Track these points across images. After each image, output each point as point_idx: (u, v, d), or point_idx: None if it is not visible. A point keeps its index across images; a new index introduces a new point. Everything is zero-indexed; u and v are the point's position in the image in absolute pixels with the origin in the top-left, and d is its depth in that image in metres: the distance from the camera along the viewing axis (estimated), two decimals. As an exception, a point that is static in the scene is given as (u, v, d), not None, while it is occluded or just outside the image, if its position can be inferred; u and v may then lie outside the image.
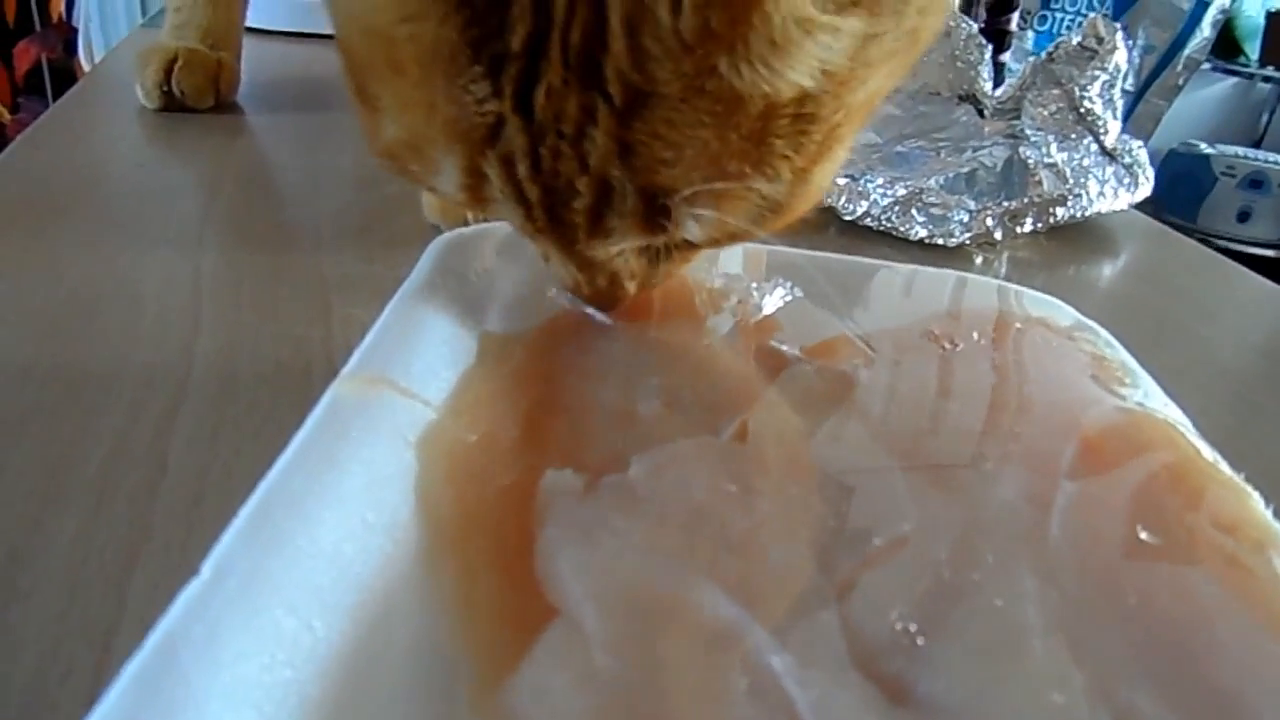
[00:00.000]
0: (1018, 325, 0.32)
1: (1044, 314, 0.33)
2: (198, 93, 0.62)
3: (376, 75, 0.24)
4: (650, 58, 0.21)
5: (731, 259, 0.34)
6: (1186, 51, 1.70)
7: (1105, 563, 0.21)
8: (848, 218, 0.52)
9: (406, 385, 0.25)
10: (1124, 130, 0.58)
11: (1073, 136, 0.56)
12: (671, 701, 0.17)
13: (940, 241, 0.51)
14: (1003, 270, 0.51)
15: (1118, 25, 0.57)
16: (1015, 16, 0.87)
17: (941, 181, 0.53)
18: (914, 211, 0.51)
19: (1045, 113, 0.57)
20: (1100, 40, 0.57)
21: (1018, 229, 0.52)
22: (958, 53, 0.62)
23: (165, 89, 0.61)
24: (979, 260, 0.51)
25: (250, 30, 0.70)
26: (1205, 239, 2.12)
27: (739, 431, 0.27)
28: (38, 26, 1.79)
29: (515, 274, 0.33)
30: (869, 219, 0.52)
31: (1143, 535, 0.21)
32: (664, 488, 0.23)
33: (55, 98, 1.75)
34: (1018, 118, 0.59)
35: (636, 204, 0.23)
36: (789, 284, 0.32)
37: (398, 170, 0.26)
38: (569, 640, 0.19)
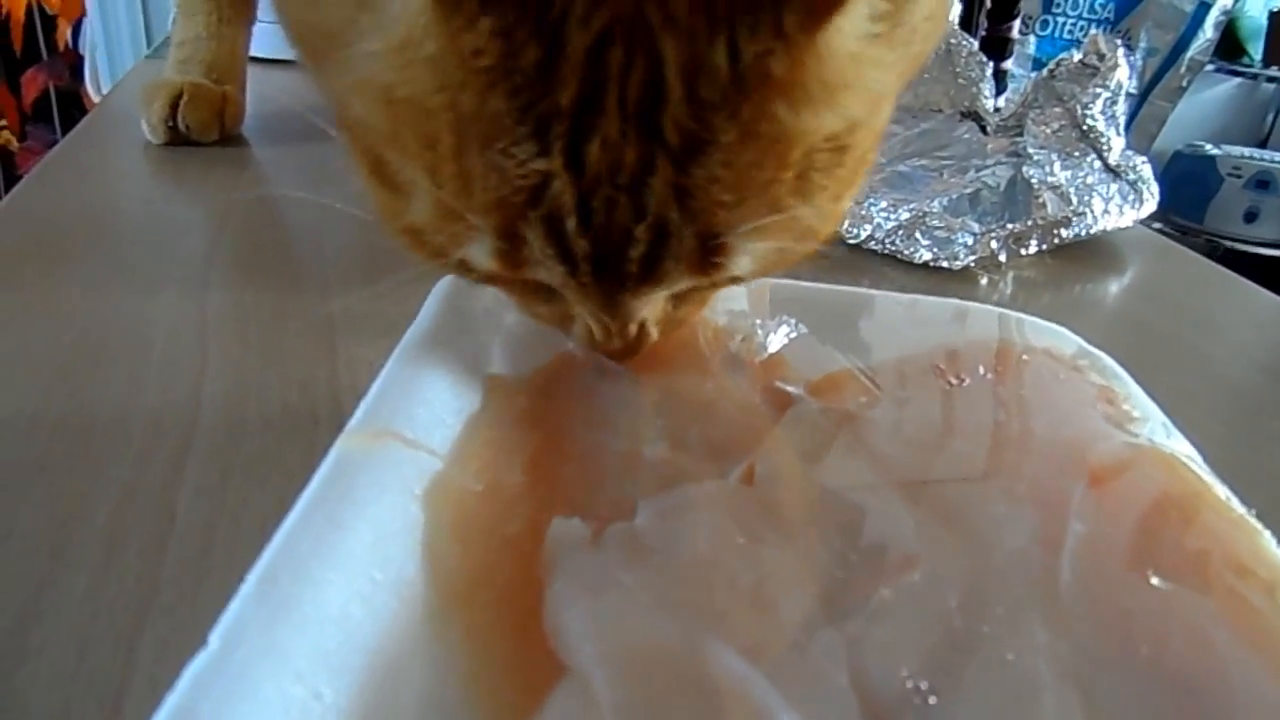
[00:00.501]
0: (1023, 357, 0.32)
1: (1048, 343, 0.33)
2: (203, 127, 0.63)
3: (401, 149, 0.24)
4: (708, 106, 0.21)
5: (735, 295, 0.34)
6: (1190, 53, 1.69)
7: (1117, 610, 0.21)
8: (852, 241, 0.52)
9: (412, 436, 0.25)
10: (1129, 132, 0.58)
11: (1076, 154, 0.56)
12: (681, 766, 0.17)
13: (945, 264, 0.50)
14: (1008, 291, 0.51)
15: (1119, 42, 0.57)
16: (1016, 23, 0.87)
17: (945, 203, 0.53)
18: (918, 235, 0.51)
19: (1048, 131, 0.57)
20: (1101, 57, 0.56)
21: (1022, 251, 0.52)
22: (958, 70, 0.62)
23: (170, 124, 0.62)
24: (984, 282, 0.51)
25: (254, 59, 0.70)
26: (1212, 240, 2.12)
27: (746, 474, 0.27)
28: (44, 55, 1.80)
29: (519, 312, 0.33)
30: (873, 242, 0.52)
31: (1154, 581, 0.21)
32: (671, 537, 0.23)
33: (63, 124, 1.77)
34: (1020, 135, 0.59)
35: (693, 245, 0.23)
36: (793, 320, 0.32)
37: (419, 248, 0.26)
38: (578, 701, 0.19)
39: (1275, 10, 2.15)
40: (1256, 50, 2.21)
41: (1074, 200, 0.54)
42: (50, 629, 0.25)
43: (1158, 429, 0.28)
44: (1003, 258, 0.51)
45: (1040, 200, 0.53)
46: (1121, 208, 0.55)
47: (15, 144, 1.83)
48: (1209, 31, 1.69)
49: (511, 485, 0.26)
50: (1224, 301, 0.56)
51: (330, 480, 0.23)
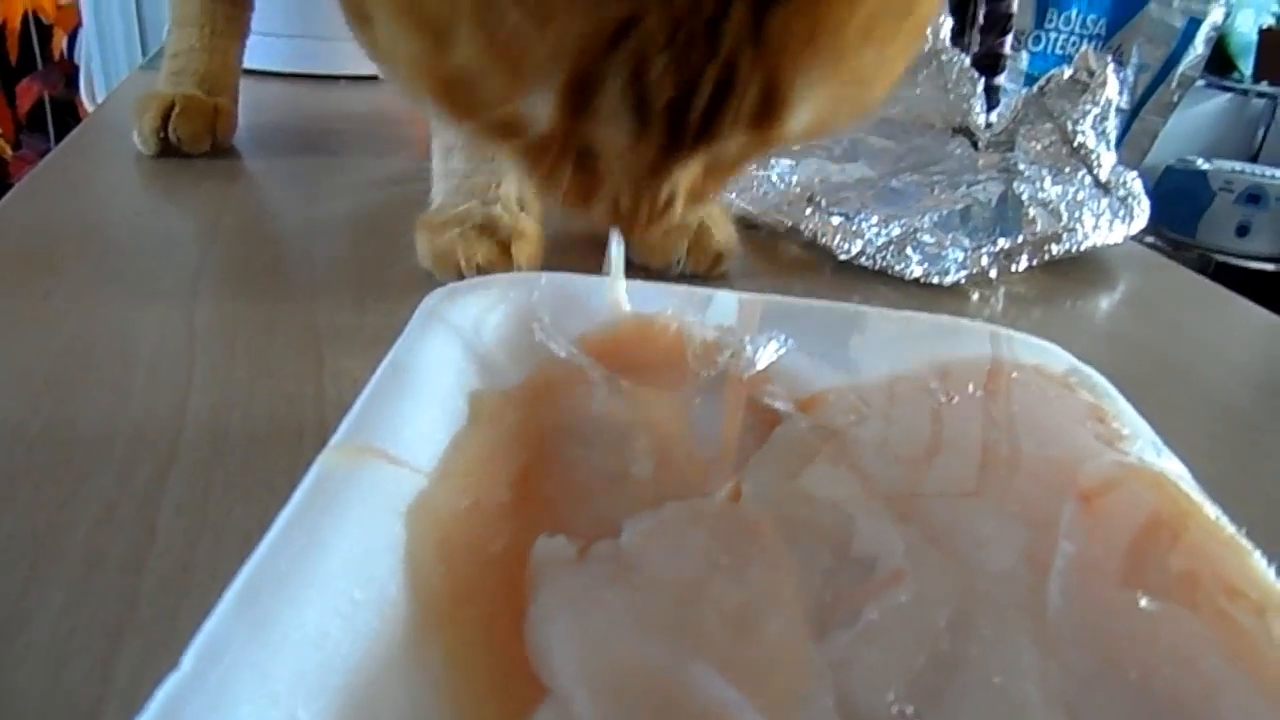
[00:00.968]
0: (1013, 374, 0.32)
1: (1038, 360, 0.33)
2: (195, 139, 0.63)
3: None
4: None
5: (726, 309, 0.34)
6: (1180, 68, 1.70)
7: (1106, 632, 0.21)
8: (843, 257, 0.52)
9: (396, 452, 0.25)
10: (1120, 147, 0.58)
11: (1066, 170, 0.56)
12: (662, 792, 0.17)
13: (936, 280, 0.50)
14: (999, 306, 0.51)
15: (1109, 58, 0.57)
16: (1009, 39, 0.87)
17: (936, 219, 0.53)
18: (909, 250, 0.51)
19: (1039, 147, 0.57)
20: (1091, 73, 0.57)
21: (1013, 267, 0.52)
22: (950, 85, 0.62)
23: (162, 136, 0.62)
24: (975, 297, 0.51)
25: (248, 71, 0.70)
26: (1205, 254, 2.13)
27: (733, 493, 0.26)
28: (40, 64, 1.80)
29: (506, 325, 0.32)
30: (864, 258, 0.52)
31: (1143, 602, 0.21)
32: (655, 557, 0.23)
33: (57, 134, 1.77)
34: (1011, 151, 0.59)
35: (755, 97, 0.22)
36: (782, 336, 0.32)
37: (456, 102, 0.24)
38: (558, 724, 0.19)
39: (1265, 26, 2.17)
40: (1247, 66, 2.22)
41: (1064, 216, 0.54)
42: (24, 647, 0.24)
43: (1148, 447, 0.28)
44: (993, 274, 0.51)
45: (1030, 216, 0.53)
46: (1112, 223, 0.55)
47: (9, 153, 1.83)
48: (1200, 47, 1.70)
49: (497, 503, 0.26)
50: (1215, 317, 0.56)
51: (311, 497, 0.22)
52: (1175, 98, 1.72)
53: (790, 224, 0.55)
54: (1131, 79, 1.69)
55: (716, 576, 0.22)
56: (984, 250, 0.51)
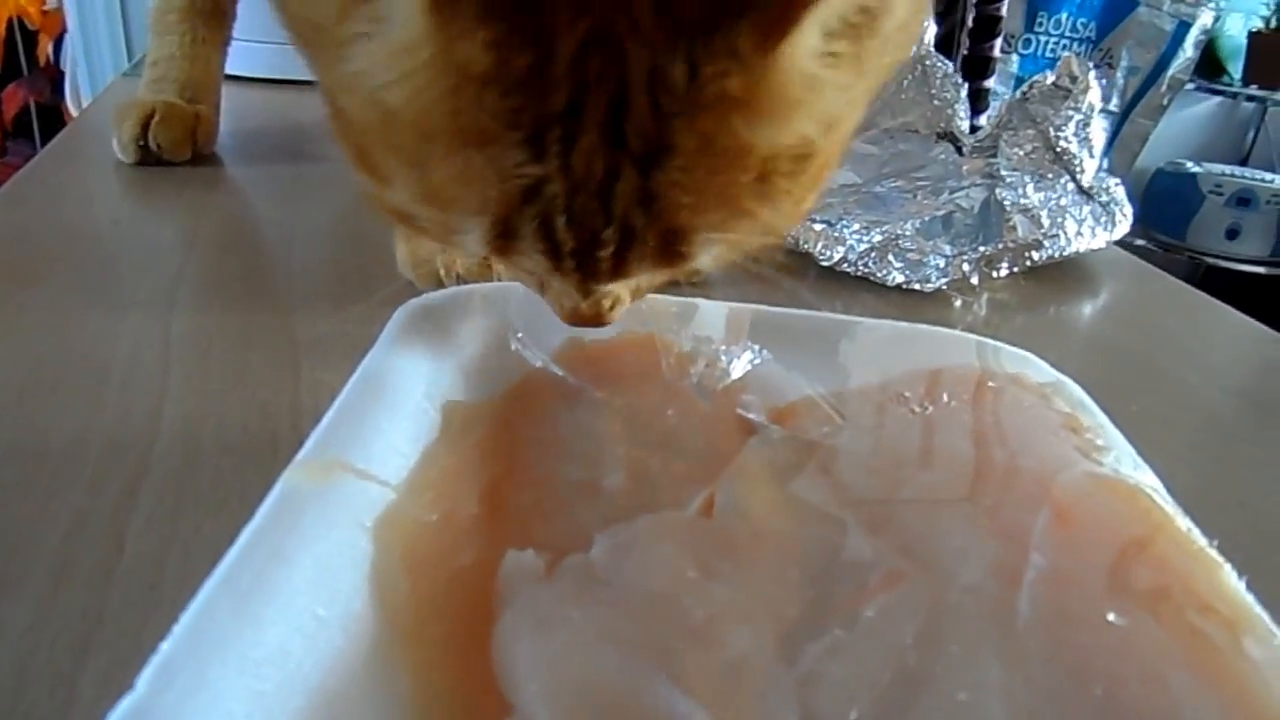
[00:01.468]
0: (989, 384, 0.31)
1: (1018, 370, 0.33)
2: (175, 146, 0.62)
3: (391, 145, 0.24)
4: (668, 116, 0.22)
5: (710, 320, 0.33)
6: (1170, 72, 1.71)
7: (1074, 647, 0.21)
8: (825, 263, 0.52)
9: (364, 466, 0.25)
10: (1111, 150, 0.58)
11: (1049, 176, 0.56)
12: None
13: (917, 287, 0.50)
14: (982, 313, 0.51)
15: (1090, 64, 0.57)
16: (998, 42, 0.87)
17: (918, 225, 0.53)
18: (890, 257, 0.51)
19: (1021, 153, 0.57)
20: (1074, 79, 0.57)
21: (994, 273, 0.52)
22: (934, 91, 0.62)
23: (142, 144, 0.61)
24: (958, 304, 0.51)
25: (230, 77, 0.70)
26: (1195, 257, 2.13)
27: (705, 505, 0.26)
28: (25, 70, 1.80)
29: (482, 336, 0.32)
30: (846, 264, 0.52)
31: (1111, 617, 0.21)
32: (625, 571, 0.23)
33: (43, 140, 1.76)
34: (994, 156, 0.59)
35: (656, 244, 0.24)
36: (757, 347, 0.32)
37: (408, 227, 0.27)
38: (521, 742, 0.19)
39: (1254, 30, 2.18)
40: (1236, 69, 2.23)
41: (1046, 222, 0.54)
42: (-12, 664, 0.24)
43: (1123, 458, 0.28)
44: (975, 280, 0.51)
45: (1011, 223, 0.53)
46: (1094, 229, 0.55)
47: (-5, 159, 1.82)
48: (1189, 50, 1.70)
49: (466, 516, 0.25)
50: (1197, 324, 0.56)
51: (275, 513, 0.22)
52: (1165, 101, 1.73)
53: (773, 230, 0.55)
54: (1121, 82, 1.70)
55: (684, 590, 0.22)
56: (964, 257, 0.51)
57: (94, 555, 0.28)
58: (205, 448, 0.33)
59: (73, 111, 1.59)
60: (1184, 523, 0.25)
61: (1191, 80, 1.90)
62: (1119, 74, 1.70)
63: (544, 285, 0.29)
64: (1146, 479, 0.27)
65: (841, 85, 0.23)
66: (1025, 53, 1.73)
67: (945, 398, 0.30)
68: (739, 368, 0.31)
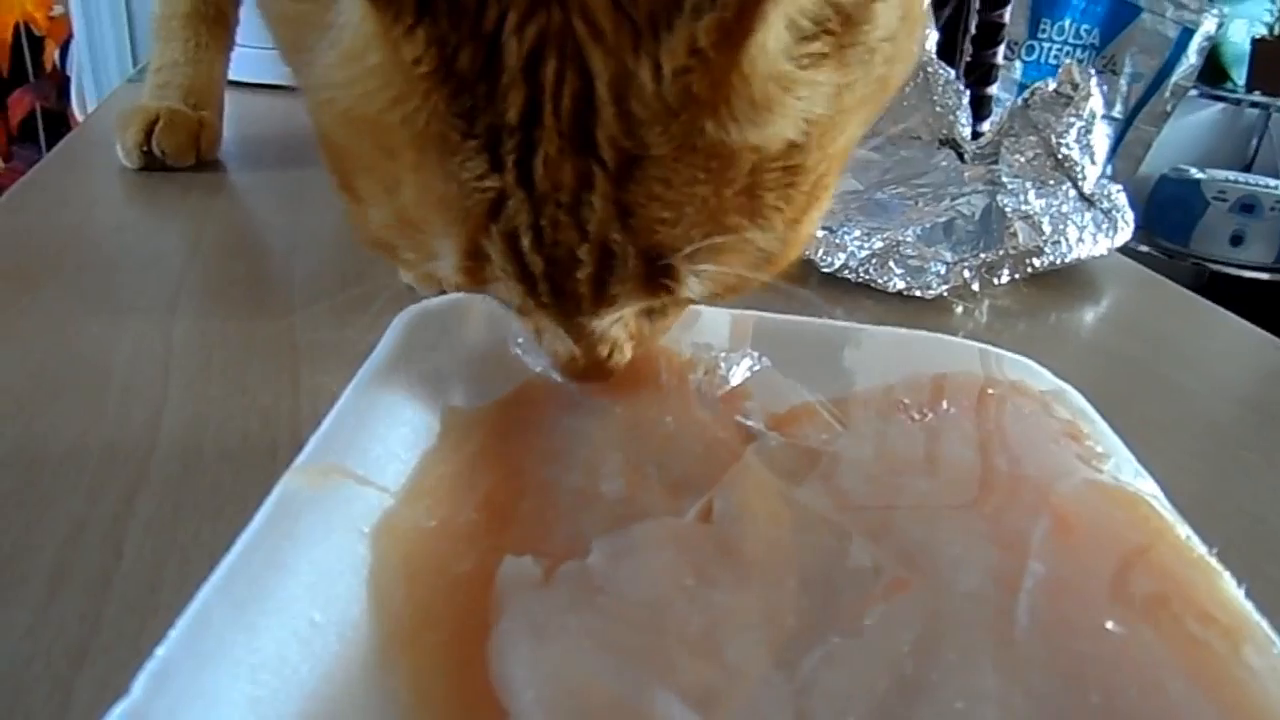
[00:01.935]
0: (989, 391, 0.31)
1: (1019, 377, 0.33)
2: (178, 152, 0.63)
3: (363, 164, 0.24)
4: (639, 122, 0.21)
5: (713, 327, 0.33)
6: (1174, 78, 1.71)
7: (1072, 655, 0.21)
8: (826, 270, 0.52)
9: (363, 472, 0.25)
10: (1114, 157, 0.58)
11: (1051, 183, 0.56)
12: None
13: (918, 293, 0.50)
14: (983, 320, 0.51)
15: (1093, 71, 0.57)
16: (1001, 49, 0.87)
17: (919, 232, 0.53)
18: (891, 264, 0.51)
19: (1022, 159, 0.57)
20: (1075, 86, 0.57)
21: (995, 280, 0.52)
22: (936, 97, 0.62)
23: (145, 149, 0.62)
24: (959, 310, 0.51)
25: (233, 83, 0.70)
26: (1199, 263, 2.13)
27: (704, 511, 0.26)
28: (31, 76, 1.80)
29: (481, 342, 0.32)
30: (847, 271, 0.52)
31: (1109, 625, 0.21)
32: (623, 578, 0.23)
33: (49, 145, 1.77)
34: (997, 163, 0.59)
35: (639, 266, 0.23)
36: (756, 354, 0.32)
37: (390, 257, 0.26)
38: (516, 751, 0.19)
39: (1258, 36, 2.18)
40: (1240, 75, 2.23)
41: (1047, 229, 0.54)
42: (-14, 669, 0.24)
43: (1124, 466, 0.28)
44: (976, 287, 0.51)
45: (1012, 230, 0.53)
46: (1096, 236, 0.55)
47: (0, 164, 1.82)
48: (1193, 57, 1.70)
49: (464, 522, 0.25)
50: (1199, 331, 0.56)
51: (273, 518, 0.22)
52: (1169, 107, 1.73)
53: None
54: (1125, 89, 1.69)
55: (682, 598, 0.22)
56: (965, 264, 0.51)
57: (92, 561, 0.28)
58: (205, 453, 0.33)
59: (78, 117, 1.59)
60: (1183, 531, 0.24)
61: (1195, 87, 1.89)
62: (1122, 81, 1.69)
63: (538, 331, 0.28)
64: (1147, 487, 0.27)
65: (821, 85, 0.23)
66: (1028, 59, 1.73)
67: (946, 405, 0.30)
68: (739, 374, 0.31)
